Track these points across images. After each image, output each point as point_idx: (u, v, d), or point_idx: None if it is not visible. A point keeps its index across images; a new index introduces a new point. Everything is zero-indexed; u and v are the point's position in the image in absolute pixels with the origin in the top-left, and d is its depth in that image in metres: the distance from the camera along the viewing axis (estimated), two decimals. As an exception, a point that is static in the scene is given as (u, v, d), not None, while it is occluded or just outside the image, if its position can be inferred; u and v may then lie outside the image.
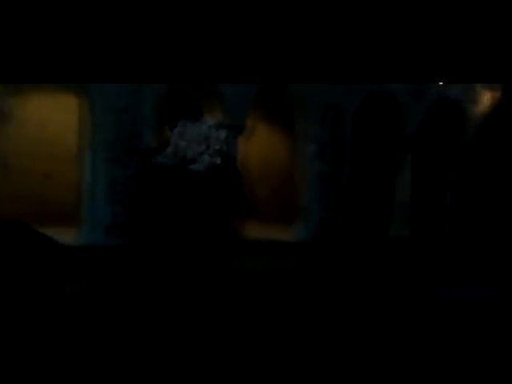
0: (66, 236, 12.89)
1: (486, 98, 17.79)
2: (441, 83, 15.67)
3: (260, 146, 17.39)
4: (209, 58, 6.53)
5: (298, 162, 15.94)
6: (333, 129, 15.81)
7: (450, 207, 17.87)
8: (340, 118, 15.86)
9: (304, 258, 13.26)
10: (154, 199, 4.47)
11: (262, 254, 12.77)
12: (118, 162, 13.51)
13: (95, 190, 13.56)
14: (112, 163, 13.50)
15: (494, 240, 15.10)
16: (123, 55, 6.49)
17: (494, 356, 6.30)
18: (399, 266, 12.58)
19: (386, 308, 8.56)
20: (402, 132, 16.92)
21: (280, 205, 16.79)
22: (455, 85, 16.77)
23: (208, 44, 6.50)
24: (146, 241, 4.53)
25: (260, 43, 6.53)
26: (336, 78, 7.43)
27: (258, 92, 14.98)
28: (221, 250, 4.54)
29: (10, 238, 6.54)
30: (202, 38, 6.47)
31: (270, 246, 14.21)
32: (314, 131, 15.66)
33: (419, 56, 6.71)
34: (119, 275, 9.16)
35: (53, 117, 15.50)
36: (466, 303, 8.74)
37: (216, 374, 4.55)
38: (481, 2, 6.50)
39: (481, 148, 17.94)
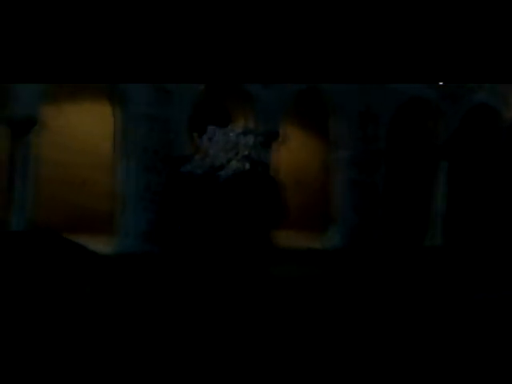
0: (100, 244, 12.96)
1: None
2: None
3: (294, 153, 17.33)
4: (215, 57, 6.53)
5: (332, 169, 15.84)
6: (367, 136, 15.70)
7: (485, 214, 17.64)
8: (375, 126, 15.74)
9: (337, 265, 13.16)
10: (183, 207, 4.46)
11: (295, 262, 12.69)
12: (152, 170, 13.54)
13: (129, 197, 13.59)
14: (146, 171, 13.53)
15: None
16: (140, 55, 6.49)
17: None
18: (433, 274, 12.43)
19: (418, 315, 8.47)
20: (438, 139, 16.73)
21: (314, 212, 16.71)
22: (491, 90, 16.59)
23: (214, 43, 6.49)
24: (178, 248, 4.51)
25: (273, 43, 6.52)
26: (340, 78, 7.38)
27: (293, 99, 14.93)
28: (254, 258, 4.51)
29: (41, 246, 6.57)
30: (208, 37, 6.46)
31: (304, 253, 14.13)
32: (348, 138, 15.56)
33: (423, 56, 6.66)
34: (151, 281, 9.17)
35: (87, 126, 15.60)
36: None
37: (251, 376, 4.52)
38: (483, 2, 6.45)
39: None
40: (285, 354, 6.21)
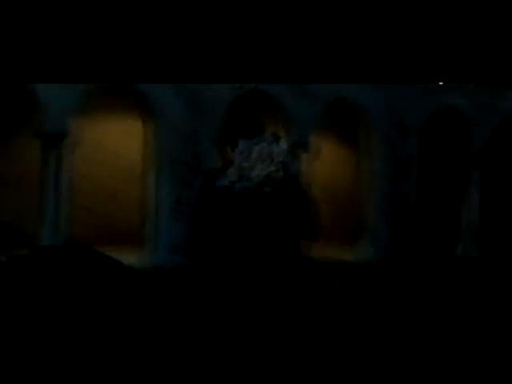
0: (131, 257, 12.97)
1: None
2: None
3: (325, 164, 17.26)
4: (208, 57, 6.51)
5: (364, 180, 15.73)
6: (399, 147, 15.57)
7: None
8: (406, 136, 15.61)
9: (371, 276, 13.04)
10: (218, 220, 4.40)
11: (328, 274, 12.61)
12: (183, 182, 13.54)
13: (160, 210, 13.60)
14: (177, 183, 13.54)
15: None
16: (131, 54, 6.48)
17: None
18: (468, 285, 12.26)
19: (454, 327, 8.34)
20: (471, 149, 16.54)
21: (346, 223, 16.60)
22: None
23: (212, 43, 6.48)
24: (211, 261, 4.46)
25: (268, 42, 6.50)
26: (338, 77, 7.34)
27: (324, 110, 14.87)
28: (288, 270, 4.46)
29: (77, 261, 6.56)
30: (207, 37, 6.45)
31: (337, 265, 14.03)
32: (379, 149, 15.44)
33: (422, 56, 6.60)
34: (183, 295, 9.14)
35: (117, 138, 15.67)
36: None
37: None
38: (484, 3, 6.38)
39: None
40: (323, 365, 6.15)
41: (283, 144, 4.44)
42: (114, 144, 15.68)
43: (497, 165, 17.40)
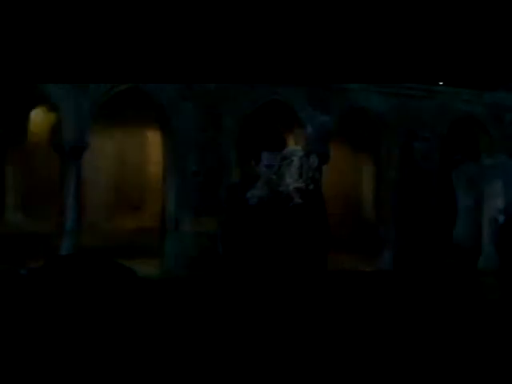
0: (150, 268, 12.97)
1: None
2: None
3: (343, 174, 17.21)
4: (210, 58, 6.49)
5: (383, 190, 15.65)
6: (418, 156, 15.49)
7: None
8: (425, 145, 15.53)
9: (391, 287, 12.96)
10: (247, 233, 4.39)
11: (348, 284, 12.54)
12: (202, 194, 13.53)
13: (179, 221, 13.58)
14: (196, 195, 13.52)
15: None
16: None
17: None
18: (487, 297, 12.15)
19: (474, 341, 8.25)
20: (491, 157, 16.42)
21: (365, 234, 16.51)
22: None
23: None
24: (238, 272, 4.45)
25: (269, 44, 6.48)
26: (338, 78, 7.34)
27: (342, 119, 14.83)
28: (309, 280, 4.43)
29: (91, 270, 6.53)
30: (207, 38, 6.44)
31: (356, 275, 13.95)
32: (398, 159, 15.36)
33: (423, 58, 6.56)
34: (201, 304, 9.11)
35: (136, 150, 15.71)
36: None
37: None
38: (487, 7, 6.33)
39: None
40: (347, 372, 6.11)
41: (314, 159, 4.41)
42: (133, 155, 15.71)
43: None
